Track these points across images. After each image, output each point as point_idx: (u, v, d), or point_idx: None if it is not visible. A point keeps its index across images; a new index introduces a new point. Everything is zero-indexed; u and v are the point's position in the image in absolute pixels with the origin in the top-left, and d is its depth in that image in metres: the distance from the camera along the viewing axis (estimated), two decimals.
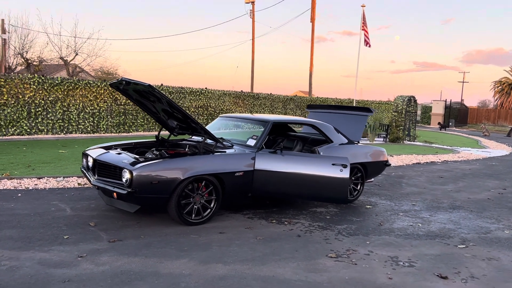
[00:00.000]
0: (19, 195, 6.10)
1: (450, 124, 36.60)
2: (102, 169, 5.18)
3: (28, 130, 12.84)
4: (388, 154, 12.77)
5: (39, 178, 7.09)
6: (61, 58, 32.67)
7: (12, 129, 12.52)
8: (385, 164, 7.23)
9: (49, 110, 13.20)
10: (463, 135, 26.04)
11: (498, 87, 59.52)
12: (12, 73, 13.52)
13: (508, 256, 4.59)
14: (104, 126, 14.55)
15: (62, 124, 13.51)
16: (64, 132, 13.55)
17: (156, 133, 6.75)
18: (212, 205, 5.24)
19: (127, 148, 6.02)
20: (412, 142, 18.14)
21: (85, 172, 5.66)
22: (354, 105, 20.10)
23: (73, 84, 13.58)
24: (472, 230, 5.52)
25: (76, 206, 5.65)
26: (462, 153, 15.06)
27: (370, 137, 17.30)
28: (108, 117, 14.64)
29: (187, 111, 17.11)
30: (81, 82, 13.79)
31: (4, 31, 27.57)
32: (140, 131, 15.64)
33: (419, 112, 46.49)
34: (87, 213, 5.35)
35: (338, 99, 25.83)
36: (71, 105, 13.64)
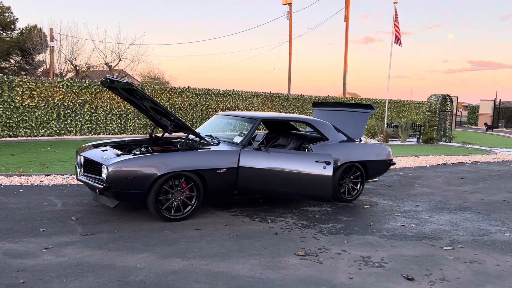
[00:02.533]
0: (21, 190, 6.37)
1: (500, 125, 34.71)
2: (87, 165, 5.31)
3: (58, 131, 13.42)
4: (414, 155, 12.28)
5: (47, 175, 7.37)
6: (106, 64, 34.01)
7: (42, 130, 13.14)
8: (389, 163, 6.93)
9: (78, 112, 13.74)
10: (509, 136, 24.60)
11: None
12: (60, 79, 14.22)
13: (495, 259, 4.26)
14: (131, 128, 14.96)
15: (90, 125, 14.02)
16: (92, 133, 14.05)
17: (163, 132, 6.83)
18: (193, 202, 5.23)
19: (119, 145, 6.13)
20: (447, 143, 17.35)
21: (77, 168, 5.82)
22: (386, 105, 19.50)
23: (100, 87, 14.06)
24: (469, 232, 5.17)
25: (68, 202, 5.82)
26: (499, 154, 14.21)
27: (402, 137, 16.72)
28: (135, 118, 15.04)
29: (206, 111, 17.27)
30: None
31: (52, 39, 29.03)
32: None
33: (465, 113, 44.47)
34: (75, 208, 5.50)
35: (374, 99, 25.16)
36: (98, 107, 14.13)
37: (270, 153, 5.42)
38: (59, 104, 13.38)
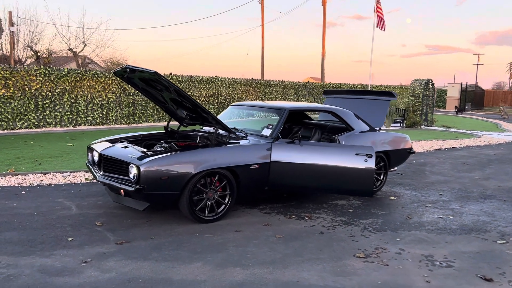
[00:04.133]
0: (23, 192, 5.79)
1: (466, 107, 35.70)
2: (108, 164, 4.83)
3: (36, 123, 12.58)
4: None
5: (45, 174, 6.78)
6: (70, 49, 32.48)
7: (20, 123, 12.27)
8: (409, 152, 6.78)
9: (57, 102, 12.90)
10: (481, 119, 25.29)
11: None
12: (20, 66, 13.25)
13: None
14: (113, 118, 14.24)
15: (70, 116, 13.22)
16: (73, 124, 13.27)
17: (166, 123, 6.36)
18: (226, 201, 4.86)
19: (134, 140, 5.66)
20: (429, 127, 17.56)
21: (90, 167, 5.32)
22: (369, 89, 19.52)
23: (80, 75, 13.26)
24: (510, 223, 5.07)
25: (82, 204, 5.32)
26: (483, 137, 14.47)
27: (387, 122, 16.76)
28: (117, 108, 14.32)
29: (197, 100, 16.75)
30: (88, 72, 13.46)
31: (12, 24, 27.36)
32: (150, 122, 15.31)
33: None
34: (93, 212, 5.02)
35: (352, 84, 25.20)
36: (79, 97, 13.33)
37: (304, 146, 5.10)
38: (37, 94, 12.51)
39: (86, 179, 6.63)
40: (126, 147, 4.98)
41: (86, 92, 13.47)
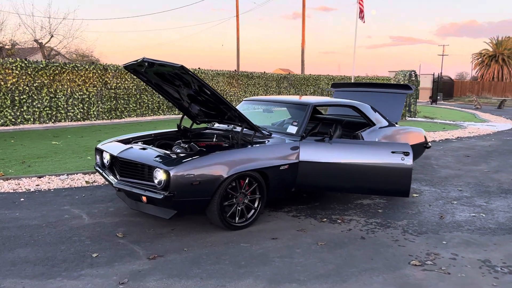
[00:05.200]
0: (22, 200, 5.24)
1: (439, 98, 36.38)
2: (127, 168, 4.37)
3: (13, 120, 11.76)
4: None
5: (40, 177, 6.21)
6: (36, 40, 31.03)
7: None
8: (425, 146, 6.59)
9: (35, 97, 12.10)
10: (456, 109, 25.76)
11: (478, 59, 59.64)
12: None
13: None
14: (95, 113, 13.52)
15: (49, 112, 12.44)
16: (53, 120, 12.49)
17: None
18: (256, 205, 4.51)
19: (145, 140, 5.21)
20: (413, 118, 17.64)
21: (100, 171, 4.84)
22: (352, 81, 19.41)
23: (59, 68, 12.47)
24: None
25: (92, 211, 4.84)
26: (469, 128, 14.61)
27: None
28: (99, 102, 13.60)
29: None
30: (68, 65, 12.69)
31: None
32: (133, 117, 14.66)
33: None
34: (108, 220, 4.56)
35: (331, 76, 25.08)
36: (58, 91, 12.55)
37: (334, 145, 4.79)
38: (13, 88, 11.68)
39: (86, 182, 6.11)
40: (144, 148, 4.54)
41: (65, 86, 12.70)
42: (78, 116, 13.12)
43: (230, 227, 4.30)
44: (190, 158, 4.03)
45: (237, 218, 4.35)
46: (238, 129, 5.29)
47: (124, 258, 3.62)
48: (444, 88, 41.04)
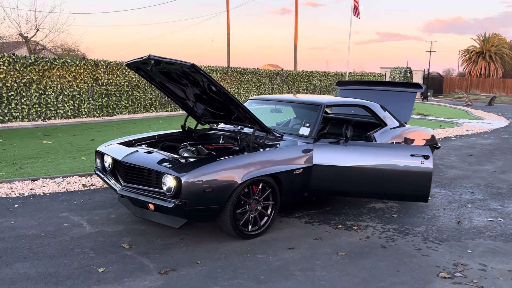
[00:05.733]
0: (16, 206, 4.91)
1: (429, 94, 36.51)
2: (132, 173, 4.08)
3: (1, 117, 11.32)
4: None
5: (34, 181, 5.87)
6: (21, 34, 30.32)
7: None
8: (435, 147, 6.40)
9: (23, 94, 11.66)
10: (448, 105, 25.76)
11: (465, 55, 60.06)
12: None
13: None
14: (86, 110, 13.11)
15: (39, 109, 12.00)
16: (42, 118, 12.06)
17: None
18: (269, 212, 4.26)
19: (149, 142, 4.92)
20: None
21: (102, 175, 4.54)
22: (347, 78, 19.25)
23: (49, 64, 12.03)
24: None
25: (93, 219, 4.54)
26: (465, 125, 14.53)
27: None
28: (90, 99, 13.19)
29: None
30: (57, 61, 12.25)
31: None
32: (125, 114, 14.28)
33: None
34: (111, 229, 4.26)
35: (324, 72, 24.90)
36: (47, 88, 12.12)
37: (350, 147, 4.56)
38: (1, 85, 11.22)
39: (84, 185, 5.79)
40: (149, 152, 4.25)
41: (55, 83, 12.26)
42: (69, 114, 12.70)
43: (243, 236, 4.04)
44: (202, 163, 3.76)
45: (250, 226, 4.10)
46: (246, 130, 5.03)
47: (134, 273, 3.35)
48: (434, 85, 41.19)
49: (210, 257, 3.68)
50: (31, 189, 5.53)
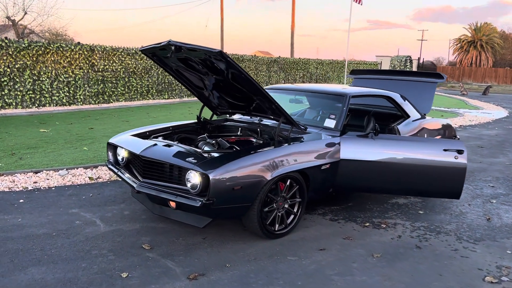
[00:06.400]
0: (21, 201, 4.60)
1: None
2: (151, 168, 3.79)
3: None
4: None
5: (36, 173, 5.55)
6: (8, 17, 29.43)
7: None
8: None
9: (17, 79, 11.19)
10: (444, 95, 25.67)
11: (457, 44, 60.11)
12: None
13: None
14: (82, 97, 12.68)
15: (33, 96, 11.55)
16: (37, 105, 11.63)
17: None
18: (296, 210, 4.02)
19: (164, 134, 4.62)
20: None
21: (115, 170, 4.25)
22: (346, 66, 18.98)
23: (43, 48, 11.55)
24: None
25: (106, 216, 4.25)
26: (466, 115, 14.40)
27: None
28: (85, 86, 12.75)
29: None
30: (52, 45, 11.78)
31: None
32: (121, 101, 13.87)
33: None
34: (127, 227, 3.99)
35: (319, 59, 24.59)
36: (42, 73, 11.66)
37: (379, 141, 4.31)
38: None
39: (90, 178, 5.48)
40: (168, 145, 3.96)
41: (50, 68, 11.81)
42: (64, 101, 12.27)
43: (270, 235, 3.80)
44: (230, 159, 3.49)
45: (277, 225, 3.85)
46: (266, 121, 4.76)
47: (160, 278, 3.09)
48: None
49: (238, 259, 3.43)
50: (35, 182, 5.21)
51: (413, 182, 4.27)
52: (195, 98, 16.16)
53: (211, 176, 3.30)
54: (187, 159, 3.55)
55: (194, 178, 3.43)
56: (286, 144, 3.94)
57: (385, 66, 26.60)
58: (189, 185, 3.48)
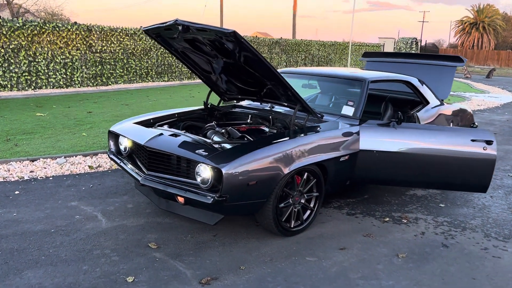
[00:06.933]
0: (17, 192, 4.30)
1: None
2: (157, 160, 3.49)
3: None
4: None
5: (33, 161, 5.24)
6: None
7: None
8: (472, 126, 5.90)
9: (12, 60, 10.79)
10: None
11: (459, 26, 59.36)
12: None
13: None
14: (79, 79, 12.29)
15: (28, 77, 11.16)
16: (33, 87, 11.24)
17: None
18: (312, 205, 3.73)
19: (169, 122, 4.30)
20: None
21: (117, 160, 3.94)
22: (350, 48, 18.54)
23: (38, 28, 11.11)
24: None
25: (108, 210, 3.96)
26: (474, 99, 14.07)
27: None
28: (83, 67, 12.34)
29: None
30: (48, 25, 11.33)
31: None
32: (120, 83, 13.48)
33: None
34: (131, 223, 3.70)
35: (321, 41, 24.07)
36: (37, 54, 11.24)
37: (401, 130, 4.01)
38: None
39: (90, 167, 5.18)
40: (175, 135, 3.64)
41: (46, 49, 11.38)
42: (61, 83, 11.88)
43: (285, 233, 3.52)
44: (244, 151, 3.18)
45: (293, 222, 3.57)
46: (278, 108, 4.44)
47: (170, 283, 2.81)
48: None
49: (253, 260, 3.16)
50: (31, 172, 4.91)
51: (438, 175, 3.98)
52: (196, 81, 15.76)
53: (224, 171, 2.99)
54: (196, 151, 3.24)
55: (204, 172, 3.13)
56: (303, 135, 3.63)
57: (389, 48, 26.11)
58: (199, 179, 3.18)
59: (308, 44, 22.93)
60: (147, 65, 14.27)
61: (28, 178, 4.75)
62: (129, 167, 3.77)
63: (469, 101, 13.60)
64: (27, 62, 11.05)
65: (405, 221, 4.02)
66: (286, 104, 4.06)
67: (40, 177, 4.79)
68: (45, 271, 2.88)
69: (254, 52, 3.32)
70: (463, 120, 5.62)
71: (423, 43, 36.86)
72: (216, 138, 3.70)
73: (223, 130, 3.90)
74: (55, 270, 2.90)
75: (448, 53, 49.73)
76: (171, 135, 3.63)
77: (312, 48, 23.08)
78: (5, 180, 4.65)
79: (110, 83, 13.16)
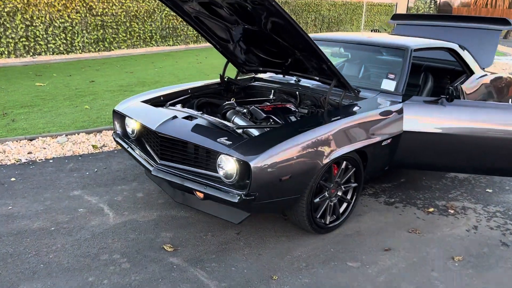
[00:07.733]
0: (13, 179, 3.83)
1: None
2: (172, 149, 2.98)
3: None
4: None
5: (31, 140, 4.75)
6: None
7: None
8: None
9: (8, 25, 10.12)
10: None
11: None
12: None
13: None
14: (80, 44, 11.62)
15: (26, 43, 10.51)
16: (31, 53, 10.62)
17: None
18: (349, 197, 3.25)
19: (181, 100, 3.75)
20: None
21: (125, 145, 3.44)
22: (364, 7, 17.57)
23: None
24: None
25: (115, 200, 3.49)
26: (496, 63, 13.28)
27: None
28: (84, 32, 11.64)
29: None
30: None
31: None
32: (123, 49, 12.79)
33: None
34: (142, 217, 3.24)
35: (332, 0, 22.93)
36: (35, 18, 10.55)
37: (450, 107, 3.45)
38: None
39: (94, 146, 4.69)
40: (190, 117, 3.12)
41: (43, 12, 10.67)
42: (61, 48, 11.23)
43: (320, 230, 3.06)
44: (274, 139, 2.65)
45: (328, 217, 3.09)
46: (305, 82, 3.88)
47: None
48: None
49: (286, 267, 2.70)
50: (29, 153, 4.43)
51: (493, 159, 3.46)
52: (202, 45, 15.02)
53: (252, 165, 2.48)
54: (218, 140, 2.72)
55: (228, 164, 2.63)
56: (340, 116, 3.09)
57: (401, 9, 24.93)
58: (221, 172, 2.68)
59: (319, 4, 21.87)
60: (151, 28, 13.51)
61: (26, 160, 4.27)
62: (138, 153, 3.28)
63: (492, 65, 12.83)
64: (24, 26, 10.38)
65: (452, 211, 3.54)
66: (317, 78, 3.49)
67: (39, 160, 4.31)
68: (44, 285, 2.44)
69: (288, 18, 2.73)
70: (506, 91, 5.03)
71: (438, 2, 35.30)
72: (238, 121, 3.17)
73: (244, 110, 3.37)
74: (55, 283, 2.46)
75: (461, 12, 47.93)
76: (186, 117, 3.11)
77: (322, 8, 22.02)
78: (0, 163, 4.17)
79: (112, 48, 12.48)
